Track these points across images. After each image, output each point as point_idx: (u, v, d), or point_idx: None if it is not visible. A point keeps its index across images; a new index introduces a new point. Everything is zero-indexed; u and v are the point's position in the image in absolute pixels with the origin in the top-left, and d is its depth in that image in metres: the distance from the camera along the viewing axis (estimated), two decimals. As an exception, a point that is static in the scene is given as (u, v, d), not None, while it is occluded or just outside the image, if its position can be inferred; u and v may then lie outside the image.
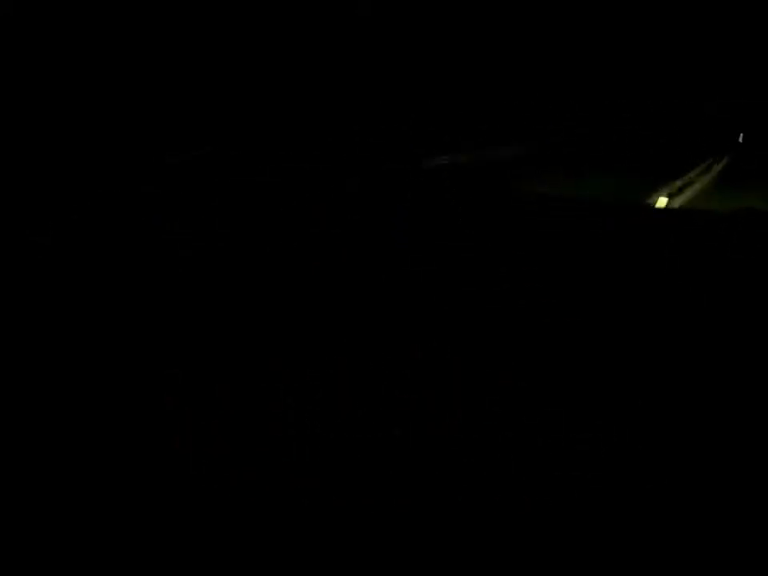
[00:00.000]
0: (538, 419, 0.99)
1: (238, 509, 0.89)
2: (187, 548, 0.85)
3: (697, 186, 10.92)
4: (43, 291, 1.53)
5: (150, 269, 1.82)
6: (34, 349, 1.24)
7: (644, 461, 0.94)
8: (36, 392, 1.10)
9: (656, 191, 9.94)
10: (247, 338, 1.25)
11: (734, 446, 0.95)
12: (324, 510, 0.88)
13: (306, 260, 1.98)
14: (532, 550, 0.83)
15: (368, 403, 1.04)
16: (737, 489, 0.90)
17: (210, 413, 1.04)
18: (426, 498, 0.88)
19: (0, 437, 1.02)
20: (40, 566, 0.85)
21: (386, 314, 1.34)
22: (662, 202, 8.82)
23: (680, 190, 10.15)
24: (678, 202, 8.88)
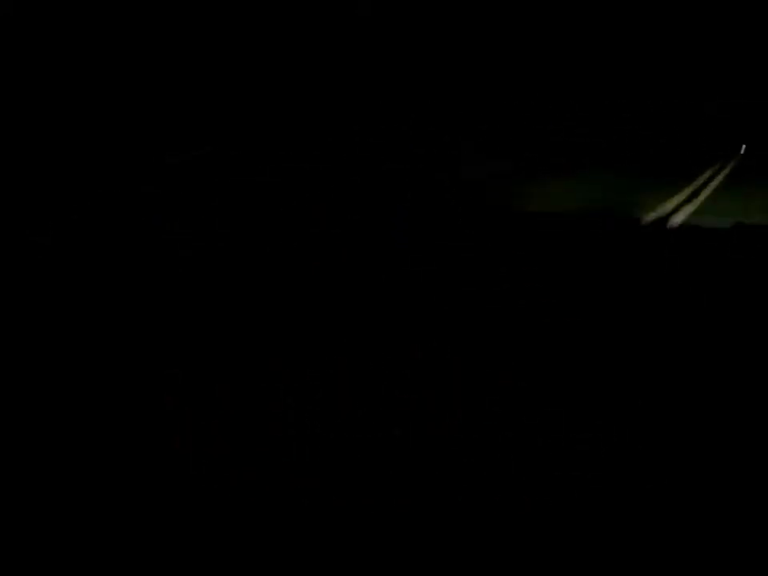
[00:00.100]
0: (538, 419, 0.99)
1: (238, 508, 0.89)
2: (187, 547, 0.85)
3: (706, 192, 10.90)
4: (43, 291, 1.53)
5: (150, 269, 1.82)
6: (34, 348, 1.24)
7: (643, 461, 0.94)
8: (37, 391, 1.10)
9: (667, 197, 9.90)
10: (247, 338, 1.25)
11: (731, 447, 0.95)
12: (324, 510, 0.88)
13: (306, 260, 1.98)
14: (532, 549, 0.83)
15: (368, 403, 1.04)
16: (737, 489, 0.90)
17: (210, 413, 1.04)
18: (426, 498, 0.88)
19: (1, 435, 1.02)
20: (40, 565, 0.85)
21: (386, 314, 1.34)
22: (668, 205, 8.78)
23: (692, 196, 10.10)
24: (690, 209, 8.85)
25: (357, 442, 0.98)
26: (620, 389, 1.07)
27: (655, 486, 0.90)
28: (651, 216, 7.15)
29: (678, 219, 7.34)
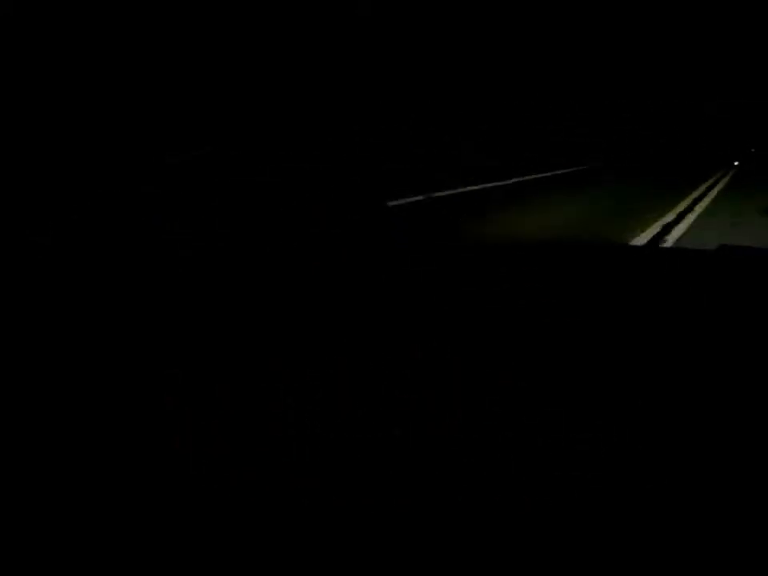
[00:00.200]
0: (539, 419, 0.99)
1: (238, 509, 0.89)
2: (187, 548, 0.85)
3: (707, 201, 10.97)
4: (43, 291, 1.52)
5: (150, 269, 1.82)
6: (34, 348, 1.24)
7: (644, 461, 0.94)
8: (36, 391, 1.10)
9: (671, 203, 9.97)
10: (247, 338, 1.25)
11: (730, 447, 0.95)
12: (324, 510, 0.88)
13: (306, 260, 1.97)
14: (532, 549, 0.83)
15: (368, 403, 1.04)
16: (737, 489, 0.90)
17: (210, 413, 1.04)
18: (427, 498, 0.88)
19: (0, 435, 1.02)
20: (39, 565, 0.85)
21: (386, 314, 1.33)
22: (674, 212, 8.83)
23: (694, 203, 10.17)
24: (693, 216, 8.94)
25: (357, 441, 0.98)
26: (620, 389, 1.07)
27: (656, 486, 0.90)
28: (643, 236, 7.21)
29: (669, 238, 7.39)
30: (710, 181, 16.51)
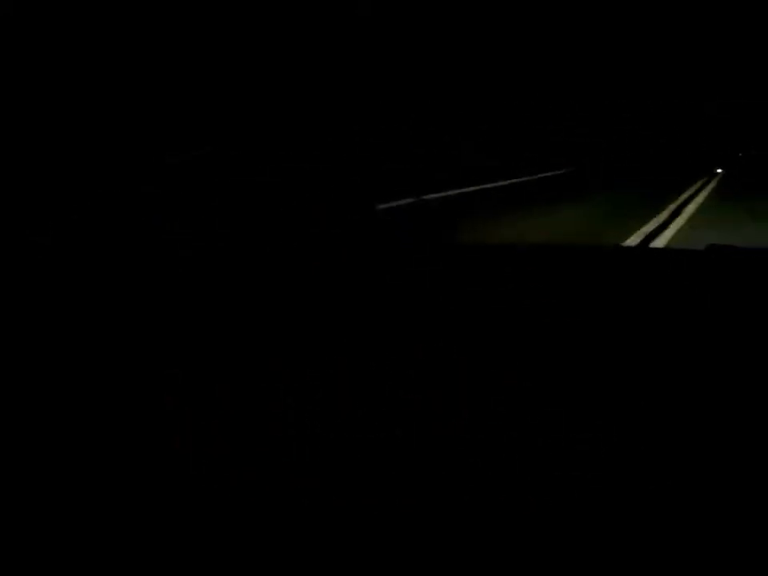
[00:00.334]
0: (543, 420, 0.99)
1: (238, 509, 0.88)
2: (187, 548, 0.84)
3: (692, 206, 10.92)
4: (43, 291, 1.52)
5: (150, 269, 1.82)
6: (33, 349, 1.24)
7: (650, 462, 0.94)
8: (36, 391, 1.10)
9: (657, 209, 9.95)
10: (247, 338, 1.24)
11: (730, 448, 0.95)
12: (324, 510, 0.87)
13: (306, 260, 1.97)
14: (536, 549, 0.82)
15: (369, 403, 1.04)
16: (737, 489, 0.90)
17: (210, 413, 1.04)
18: (429, 498, 0.88)
19: (0, 435, 1.02)
20: (39, 565, 0.84)
21: (389, 314, 1.33)
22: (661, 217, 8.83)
23: (679, 209, 10.13)
24: (681, 221, 8.94)
25: (357, 441, 0.98)
26: (622, 390, 1.06)
27: (657, 487, 0.90)
28: (635, 237, 7.22)
29: (661, 239, 7.41)
30: (699, 183, 16.23)
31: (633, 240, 8.29)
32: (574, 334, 1.25)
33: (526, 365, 1.13)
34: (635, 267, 1.80)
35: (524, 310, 1.36)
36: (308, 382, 1.10)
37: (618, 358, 1.17)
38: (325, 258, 1.97)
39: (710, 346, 1.22)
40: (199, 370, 1.14)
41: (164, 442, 0.99)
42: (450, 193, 10.01)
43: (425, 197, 9.31)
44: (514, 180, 13.69)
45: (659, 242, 8.53)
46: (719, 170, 21.87)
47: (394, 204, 8.14)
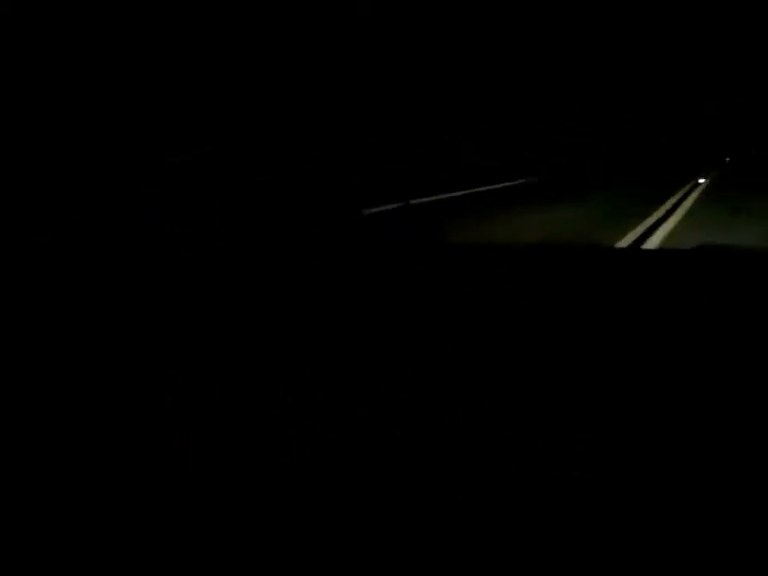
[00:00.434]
0: (539, 419, 0.99)
1: (238, 509, 0.89)
2: (187, 547, 0.85)
3: (684, 207, 10.90)
4: (43, 291, 1.53)
5: (150, 269, 1.82)
6: (34, 348, 1.24)
7: (644, 461, 0.94)
8: (36, 391, 1.10)
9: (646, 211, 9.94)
10: (247, 338, 1.25)
11: (729, 448, 0.95)
12: (324, 510, 0.88)
13: (306, 260, 1.98)
14: (532, 549, 0.83)
15: (368, 403, 1.04)
16: (737, 490, 0.90)
17: (210, 413, 1.04)
18: (427, 498, 0.88)
19: (0, 435, 1.02)
20: (39, 565, 0.85)
21: (386, 314, 1.34)
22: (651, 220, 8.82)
23: (669, 212, 10.11)
24: (671, 224, 8.93)
25: (357, 441, 0.98)
26: (619, 389, 1.07)
27: (656, 487, 0.90)
28: (628, 238, 7.22)
29: (654, 239, 7.41)
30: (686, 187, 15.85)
31: (630, 237, 8.33)
32: (568, 334, 1.25)
33: (521, 364, 1.13)
34: (625, 267, 1.83)
35: (519, 310, 1.37)
36: (307, 381, 1.10)
37: (611, 357, 1.18)
38: (324, 258, 1.98)
39: (701, 343, 1.22)
40: (199, 370, 1.15)
41: (164, 441, 0.99)
42: (441, 197, 9.91)
43: (413, 201, 9.21)
44: (509, 182, 13.63)
45: (658, 234, 8.61)
46: (702, 180, 18.84)
47: (382, 208, 7.98)
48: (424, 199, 9.53)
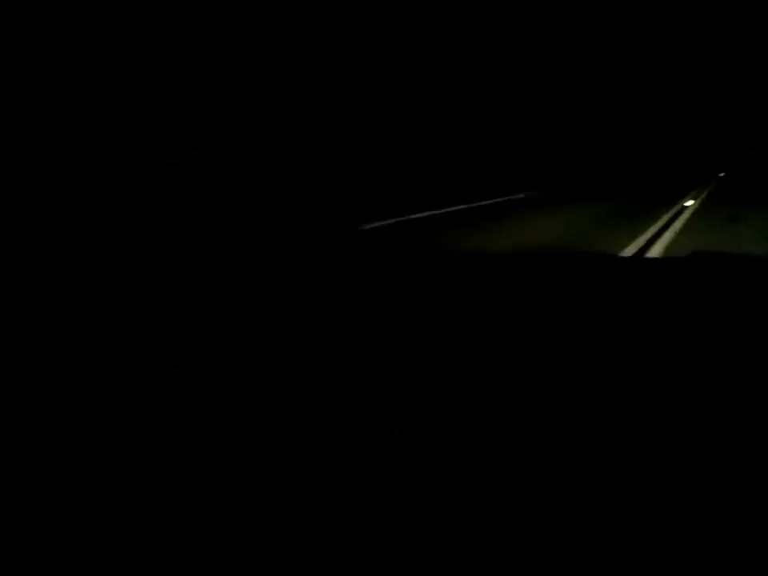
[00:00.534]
0: (538, 419, 0.99)
1: (238, 509, 0.89)
2: (187, 547, 0.85)
3: (685, 216, 10.88)
4: (43, 291, 1.53)
5: (150, 269, 1.82)
6: (34, 348, 1.24)
7: (644, 461, 0.94)
8: (36, 391, 1.10)
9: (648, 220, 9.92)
10: (247, 338, 1.25)
11: (727, 449, 0.95)
12: (324, 510, 0.88)
13: (306, 260, 1.98)
14: (532, 549, 0.83)
15: (368, 403, 1.04)
16: (737, 490, 0.90)
17: (210, 413, 1.04)
18: (427, 498, 0.88)
19: (0, 435, 1.02)
20: (40, 565, 0.85)
21: (386, 315, 1.34)
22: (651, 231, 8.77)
23: (670, 222, 10.07)
24: (673, 231, 8.92)
25: (357, 441, 0.98)
26: (618, 390, 1.07)
27: (656, 487, 0.90)
28: (629, 249, 7.22)
29: (656, 248, 7.41)
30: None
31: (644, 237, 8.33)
32: (567, 335, 1.25)
33: (521, 365, 1.13)
34: (622, 273, 1.86)
35: (519, 312, 1.37)
36: (307, 381, 1.10)
37: (610, 358, 1.18)
38: (325, 259, 1.98)
39: (695, 345, 1.23)
40: (199, 370, 1.15)
41: (164, 441, 0.99)
42: (435, 212, 9.74)
43: (409, 216, 9.08)
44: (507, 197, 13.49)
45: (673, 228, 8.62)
46: (689, 203, 14.12)
47: (377, 224, 7.76)
48: (419, 215, 9.38)
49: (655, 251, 7.31)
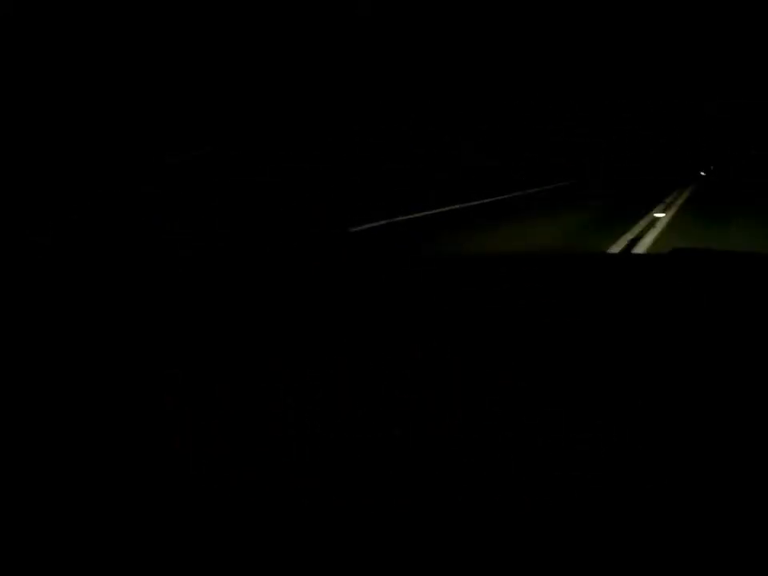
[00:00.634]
0: (539, 420, 0.99)
1: (238, 509, 0.89)
2: (187, 548, 0.85)
3: (667, 217, 10.89)
4: (43, 291, 1.53)
5: (150, 268, 1.83)
6: (34, 348, 1.24)
7: (644, 461, 0.94)
8: (36, 391, 1.10)
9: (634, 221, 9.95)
10: (247, 338, 1.25)
11: (727, 450, 0.95)
12: (324, 510, 0.88)
13: (306, 260, 1.98)
14: (532, 549, 0.83)
15: (368, 403, 1.04)
16: (737, 490, 0.90)
17: (210, 413, 1.04)
18: (427, 498, 0.88)
19: (0, 435, 1.02)
20: (40, 565, 0.85)
21: (386, 314, 1.34)
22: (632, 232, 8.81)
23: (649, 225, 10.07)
24: (656, 232, 8.95)
25: (357, 442, 0.98)
26: (619, 389, 1.07)
27: (655, 486, 0.90)
28: (617, 245, 7.23)
29: (642, 245, 7.43)
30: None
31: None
32: (570, 335, 1.25)
33: (521, 365, 1.13)
34: (610, 271, 1.89)
35: (520, 311, 1.37)
36: (307, 381, 1.10)
37: (608, 358, 1.18)
38: (324, 258, 1.98)
39: (688, 341, 1.23)
40: (199, 370, 1.15)
41: (164, 441, 0.99)
42: (426, 213, 9.64)
43: (397, 219, 8.99)
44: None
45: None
46: (659, 215, 11.15)
47: (366, 226, 7.59)
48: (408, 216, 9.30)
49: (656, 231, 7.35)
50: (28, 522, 0.87)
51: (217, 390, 1.11)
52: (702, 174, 27.72)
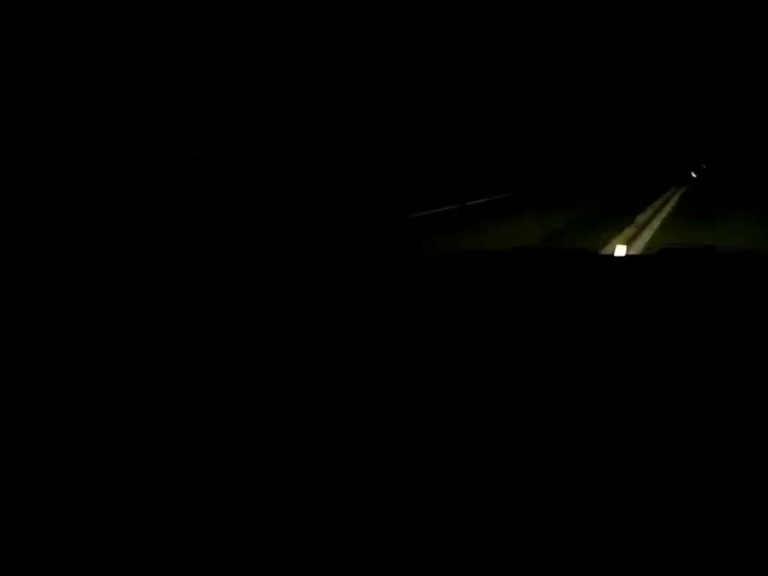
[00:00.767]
0: (538, 419, 0.99)
1: (238, 509, 0.89)
2: (187, 547, 0.85)
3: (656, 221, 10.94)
4: (43, 291, 1.53)
5: (150, 268, 1.82)
6: (34, 348, 1.24)
7: (644, 461, 0.94)
8: (36, 391, 1.10)
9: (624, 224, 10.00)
10: (247, 338, 1.25)
11: (727, 450, 0.95)
12: (324, 510, 0.88)
13: (306, 260, 1.98)
14: (532, 549, 0.83)
15: (368, 403, 1.04)
16: (737, 490, 0.90)
17: (210, 413, 1.04)
18: (427, 498, 0.88)
19: (0, 435, 1.02)
20: (40, 565, 0.85)
21: (386, 315, 1.34)
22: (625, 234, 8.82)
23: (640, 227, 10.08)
24: (648, 234, 8.97)
25: (357, 442, 0.98)
26: (619, 389, 1.07)
27: (655, 486, 0.90)
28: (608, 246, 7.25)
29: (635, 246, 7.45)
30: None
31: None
32: (569, 335, 1.25)
33: (521, 365, 1.13)
34: (603, 271, 1.92)
35: (520, 311, 1.37)
36: (307, 381, 1.10)
37: (607, 358, 1.18)
38: (325, 259, 1.98)
39: (685, 341, 1.24)
40: (199, 370, 1.15)
41: (164, 441, 0.99)
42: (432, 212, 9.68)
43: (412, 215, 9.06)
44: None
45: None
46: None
47: (377, 224, 7.64)
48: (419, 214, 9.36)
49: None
50: (29, 521, 0.87)
51: (217, 390, 1.11)
52: (694, 175, 27.35)
